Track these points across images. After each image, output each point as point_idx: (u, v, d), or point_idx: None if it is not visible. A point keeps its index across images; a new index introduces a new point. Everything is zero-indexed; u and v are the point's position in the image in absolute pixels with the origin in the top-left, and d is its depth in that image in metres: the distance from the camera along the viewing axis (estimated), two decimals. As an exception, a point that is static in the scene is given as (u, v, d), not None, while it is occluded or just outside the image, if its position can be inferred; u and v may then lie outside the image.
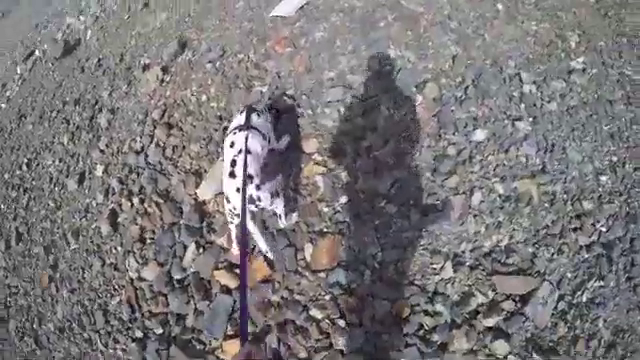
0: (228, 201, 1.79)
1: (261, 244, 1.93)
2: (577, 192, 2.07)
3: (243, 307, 1.00)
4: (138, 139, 2.90)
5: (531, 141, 2.27)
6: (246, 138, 1.82)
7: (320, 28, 3.08)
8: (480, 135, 2.40)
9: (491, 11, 3.15)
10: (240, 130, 1.91)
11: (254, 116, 2.03)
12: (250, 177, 1.73)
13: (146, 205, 2.54)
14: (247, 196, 1.69)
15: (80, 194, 2.99)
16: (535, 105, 2.48)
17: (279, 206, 1.92)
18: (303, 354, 1.85)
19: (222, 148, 2.50)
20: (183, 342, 2.12)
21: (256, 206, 1.77)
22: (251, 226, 1.83)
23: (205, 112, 2.79)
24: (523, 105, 2.48)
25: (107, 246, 2.60)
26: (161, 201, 2.49)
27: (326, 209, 2.21)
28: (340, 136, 2.45)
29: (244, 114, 2.02)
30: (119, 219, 2.62)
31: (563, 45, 2.88)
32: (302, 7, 3.25)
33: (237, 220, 1.85)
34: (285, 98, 2.66)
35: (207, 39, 3.35)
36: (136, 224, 2.50)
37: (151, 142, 2.79)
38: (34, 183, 3.47)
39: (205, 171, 2.49)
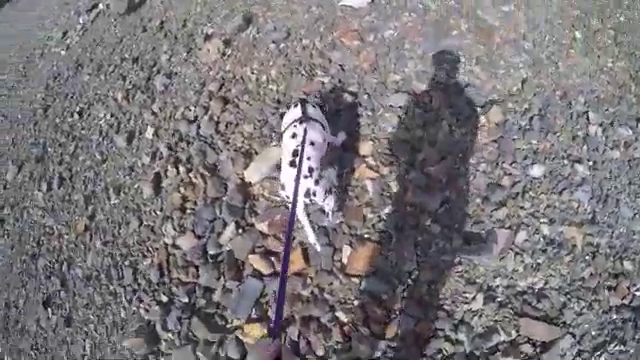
0: (283, 189, 1.76)
1: (310, 236, 1.91)
2: (620, 250, 2.00)
3: (280, 302, 0.99)
4: (192, 108, 2.92)
5: (586, 187, 2.20)
6: (305, 130, 1.81)
7: (390, 26, 2.99)
8: (537, 171, 2.32)
9: (568, 38, 3.01)
10: (300, 122, 1.89)
11: (310, 108, 2.00)
12: (310, 170, 1.72)
13: (192, 175, 2.55)
14: (304, 189, 1.68)
15: (127, 152, 3.05)
16: (597, 150, 2.39)
17: (330, 203, 1.89)
18: (320, 352, 1.86)
19: (276, 133, 2.49)
20: (206, 315, 2.13)
21: (310, 200, 1.74)
22: (303, 217, 1.81)
23: (263, 93, 2.76)
24: (585, 147, 2.39)
25: (147, 208, 2.65)
26: (207, 174, 2.50)
27: (371, 215, 2.16)
28: (397, 143, 2.38)
29: (299, 107, 2.00)
30: (162, 184, 2.65)
31: (636, 89, 2.72)
32: (373, 0, 3.16)
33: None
34: (346, 94, 2.59)
35: (273, 18, 3.31)
36: (179, 192, 2.53)
37: (205, 114, 2.80)
38: (83, 132, 3.57)
39: (256, 153, 2.47)
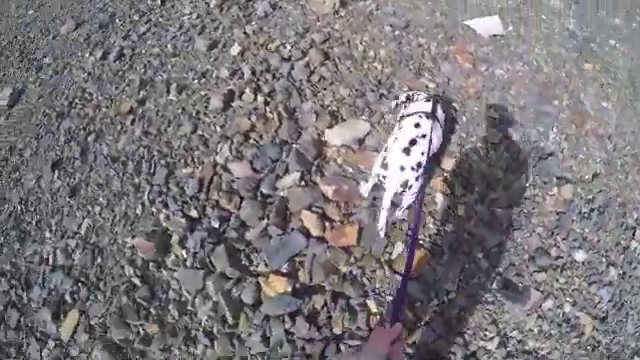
0: (384, 168, 1.72)
1: (382, 220, 1.85)
2: (614, 355, 2.12)
3: (400, 299, 1.06)
4: (289, 47, 2.80)
5: (610, 289, 2.32)
6: (431, 128, 1.81)
7: (503, 67, 2.98)
8: (580, 256, 2.44)
9: (645, 157, 3.09)
10: (427, 118, 1.87)
11: (439, 109, 1.97)
12: (419, 165, 1.71)
13: (268, 109, 2.43)
14: (404, 179, 1.68)
15: (205, 57, 2.88)
16: (631, 263, 2.48)
17: (410, 200, 1.84)
18: (337, 330, 1.82)
19: (370, 110, 2.42)
20: (232, 249, 2.03)
21: (402, 192, 1.70)
22: (387, 203, 1.76)
23: (367, 68, 2.68)
24: (622, 257, 2.48)
25: (207, 119, 2.50)
26: (285, 115, 2.39)
27: (432, 225, 2.14)
28: (476, 174, 2.36)
29: (431, 103, 1.98)
30: (233, 103, 2.52)
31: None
32: (495, 36, 3.15)
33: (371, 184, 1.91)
34: (450, 107, 2.56)
35: (395, 3, 3.24)
36: (249, 119, 2.40)
37: (302, 58, 2.69)
38: (161, 20, 3.37)
39: (342, 119, 2.38)
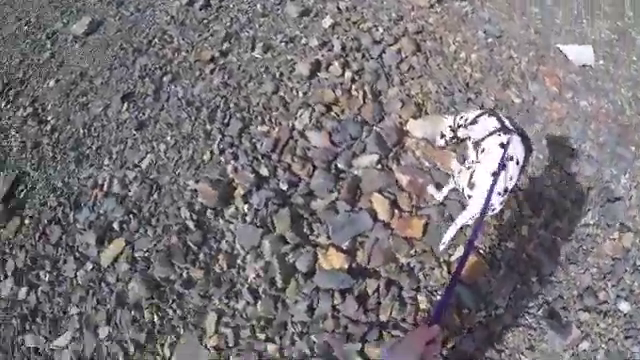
0: (470, 188, 1.71)
1: (449, 235, 1.82)
2: None
3: (445, 300, 1.02)
4: (381, 30, 2.76)
5: None
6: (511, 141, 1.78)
7: (588, 100, 2.89)
8: (624, 306, 2.39)
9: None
10: (511, 135, 1.81)
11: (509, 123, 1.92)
12: (506, 191, 1.71)
13: (354, 87, 2.42)
14: (490, 202, 1.61)
15: (294, 23, 2.87)
16: None
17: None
18: (383, 318, 1.82)
19: (454, 110, 2.38)
20: (296, 214, 2.04)
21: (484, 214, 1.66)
22: (463, 222, 1.76)
23: (457, 68, 2.63)
24: None
25: (290, 83, 2.50)
26: (370, 96, 2.37)
27: (494, 237, 2.11)
28: (546, 199, 2.33)
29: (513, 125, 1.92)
30: (320, 74, 2.51)
31: None
32: (585, 65, 3.06)
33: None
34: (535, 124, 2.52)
35: (490, 9, 3.16)
36: (333, 92, 2.39)
37: (393, 44, 2.65)
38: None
39: (426, 112, 2.35)
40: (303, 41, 2.71)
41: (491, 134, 1.85)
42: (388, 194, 2.03)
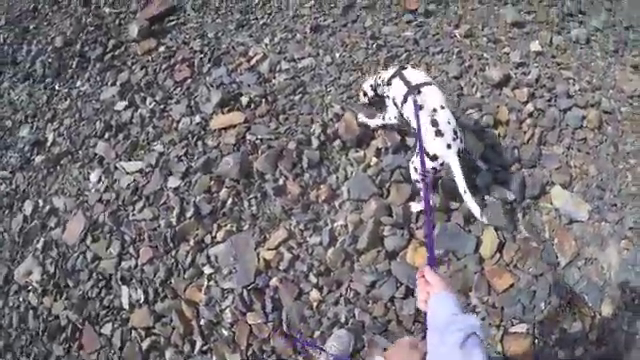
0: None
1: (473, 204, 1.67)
2: None
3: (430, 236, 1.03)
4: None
5: None
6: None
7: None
8: None
9: None
10: (418, 89, 1.78)
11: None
12: (455, 132, 1.69)
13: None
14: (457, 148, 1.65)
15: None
16: None
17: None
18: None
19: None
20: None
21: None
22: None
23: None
24: None
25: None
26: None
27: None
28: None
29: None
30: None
31: None
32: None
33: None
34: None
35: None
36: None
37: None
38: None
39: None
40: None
41: (404, 98, 1.78)
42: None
